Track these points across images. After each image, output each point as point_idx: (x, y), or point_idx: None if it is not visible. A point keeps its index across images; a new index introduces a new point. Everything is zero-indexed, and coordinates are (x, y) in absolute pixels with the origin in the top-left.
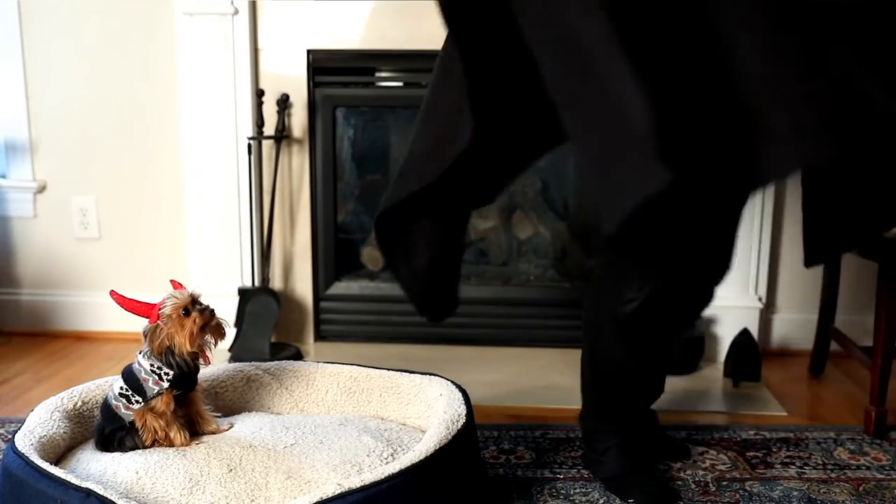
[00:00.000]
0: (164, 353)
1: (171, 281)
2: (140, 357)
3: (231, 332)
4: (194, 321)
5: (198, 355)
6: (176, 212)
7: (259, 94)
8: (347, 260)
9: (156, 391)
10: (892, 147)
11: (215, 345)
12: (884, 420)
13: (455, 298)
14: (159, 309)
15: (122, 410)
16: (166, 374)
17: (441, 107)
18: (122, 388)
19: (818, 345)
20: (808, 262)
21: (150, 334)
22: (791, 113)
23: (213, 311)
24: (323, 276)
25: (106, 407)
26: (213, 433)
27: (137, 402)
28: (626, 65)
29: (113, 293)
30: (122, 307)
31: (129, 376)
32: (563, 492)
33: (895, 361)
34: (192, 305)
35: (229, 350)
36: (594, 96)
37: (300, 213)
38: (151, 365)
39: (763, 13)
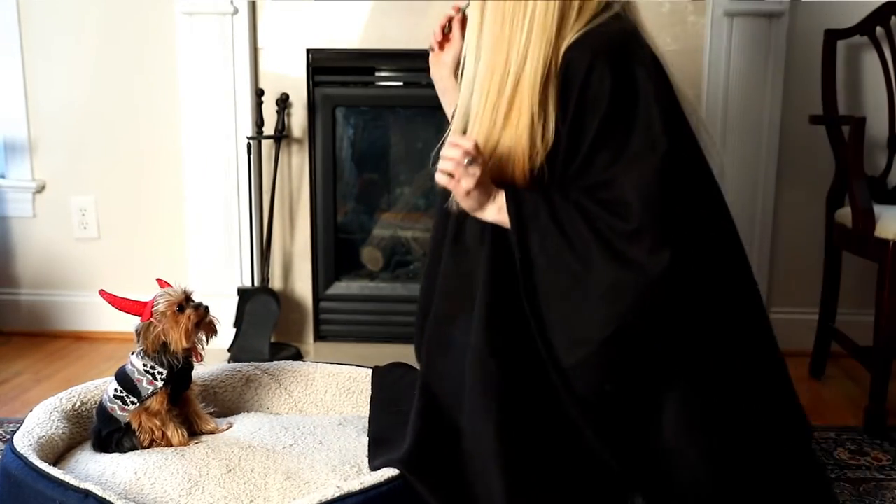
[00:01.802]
0: (159, 351)
1: (158, 280)
2: (133, 357)
3: (231, 332)
4: (189, 318)
5: (190, 352)
6: (175, 212)
7: (259, 93)
8: (347, 260)
9: (150, 391)
10: None
11: (207, 342)
12: (884, 420)
13: None
14: (152, 307)
15: (118, 412)
16: (160, 373)
17: None
18: (116, 390)
19: (818, 345)
20: None
21: (142, 332)
22: None
23: (207, 308)
24: (323, 276)
25: (101, 409)
26: (212, 432)
27: (133, 402)
28: None
29: (103, 293)
30: (114, 306)
31: (123, 378)
32: None
33: (895, 361)
34: (186, 302)
35: (229, 350)
36: None
37: (300, 213)
38: (144, 365)
39: None
